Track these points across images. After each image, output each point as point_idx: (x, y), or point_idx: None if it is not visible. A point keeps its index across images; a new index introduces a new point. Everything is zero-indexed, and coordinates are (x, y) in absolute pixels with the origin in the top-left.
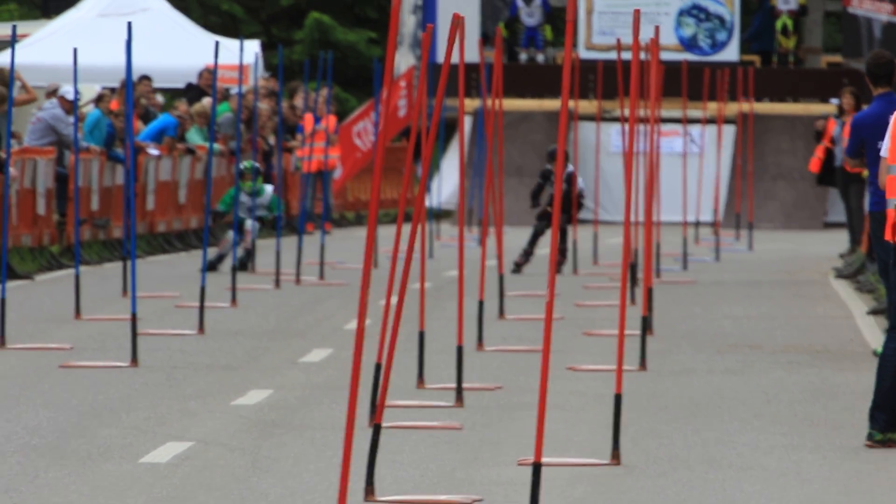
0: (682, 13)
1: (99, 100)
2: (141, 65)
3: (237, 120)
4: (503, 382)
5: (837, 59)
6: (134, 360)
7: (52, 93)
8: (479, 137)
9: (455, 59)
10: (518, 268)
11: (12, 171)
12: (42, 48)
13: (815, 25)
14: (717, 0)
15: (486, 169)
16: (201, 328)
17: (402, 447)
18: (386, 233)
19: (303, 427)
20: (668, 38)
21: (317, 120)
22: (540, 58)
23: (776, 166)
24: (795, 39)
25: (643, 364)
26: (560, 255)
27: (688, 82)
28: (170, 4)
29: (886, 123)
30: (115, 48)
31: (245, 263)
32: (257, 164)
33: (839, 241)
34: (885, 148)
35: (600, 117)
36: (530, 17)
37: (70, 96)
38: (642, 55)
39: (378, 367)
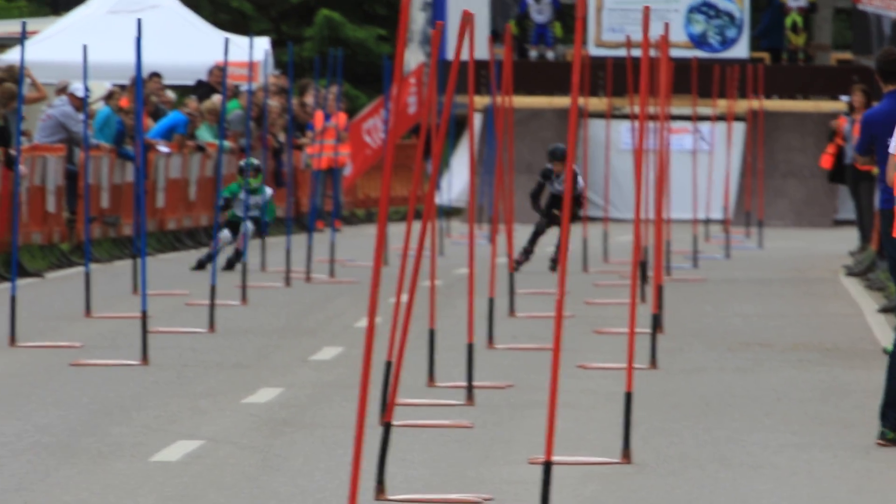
0: (691, 10)
1: (109, 97)
2: (151, 62)
3: (247, 117)
4: (514, 380)
5: (847, 56)
6: (144, 358)
7: (62, 90)
8: (489, 134)
9: (465, 56)
10: (517, 266)
11: (22, 168)
12: (52, 45)
13: (824, 22)
14: None
15: (496, 166)
16: (212, 326)
17: (412, 445)
18: (396, 230)
19: (313, 425)
20: (678, 35)
21: (327, 117)
22: (550, 55)
23: (786, 163)
24: (805, 36)
25: (654, 362)
26: (558, 252)
27: (698, 79)
28: (180, 2)
29: None
30: (125, 45)
31: (233, 264)
32: (258, 162)
33: (849, 238)
34: (893, 145)
35: (610, 114)
36: (540, 13)
37: (80, 93)
38: (652, 52)
39: (388, 365)
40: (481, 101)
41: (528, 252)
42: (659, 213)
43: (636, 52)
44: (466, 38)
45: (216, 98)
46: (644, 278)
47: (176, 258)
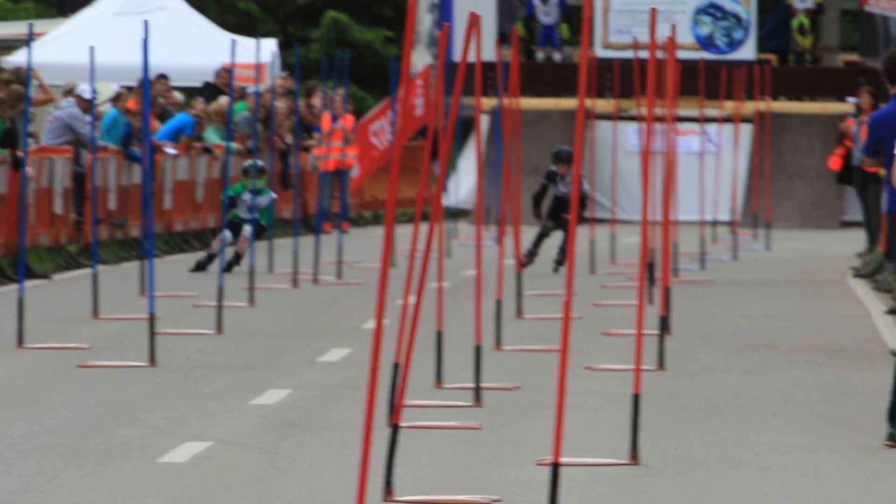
0: (698, 11)
1: (116, 99)
2: (158, 63)
3: (254, 119)
4: (521, 382)
5: (854, 57)
6: (152, 359)
7: (69, 92)
8: (495, 136)
9: (472, 57)
10: (523, 266)
11: (29, 170)
12: (59, 47)
13: (831, 24)
14: None
15: (503, 168)
16: (219, 328)
17: (420, 447)
18: (403, 232)
19: (321, 427)
20: (685, 36)
21: (334, 119)
22: (557, 56)
23: (793, 165)
24: (812, 38)
25: (661, 364)
26: (563, 252)
27: (705, 81)
28: (186, 3)
29: None
30: (131, 47)
31: (231, 266)
32: (261, 163)
33: (857, 240)
34: None
35: (617, 116)
36: (547, 15)
37: (87, 95)
38: (659, 54)
39: (396, 366)
40: (488, 102)
41: (532, 254)
42: (666, 215)
43: (643, 54)
44: (473, 40)
45: (223, 100)
46: (651, 280)
47: (183, 260)
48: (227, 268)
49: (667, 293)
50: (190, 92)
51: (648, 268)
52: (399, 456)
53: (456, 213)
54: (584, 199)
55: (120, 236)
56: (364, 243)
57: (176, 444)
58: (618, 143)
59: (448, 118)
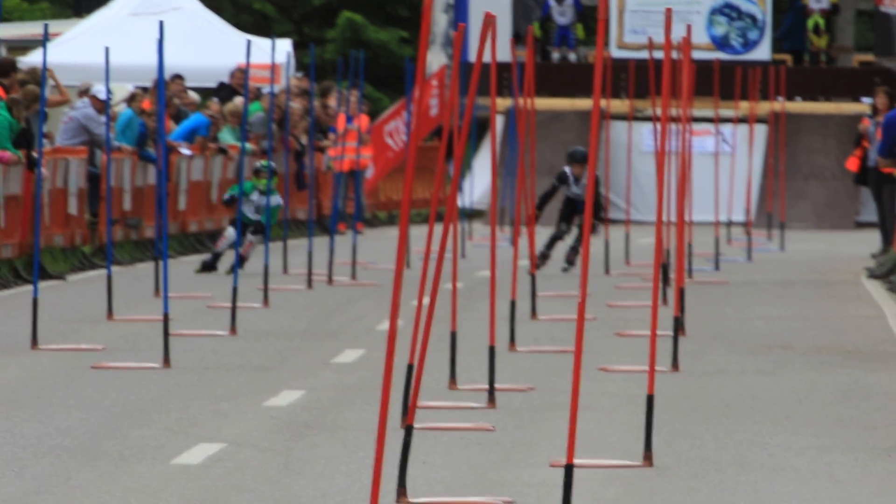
0: (713, 12)
1: (131, 99)
2: (173, 64)
3: (269, 119)
4: (535, 383)
5: (869, 57)
6: (166, 360)
7: (84, 92)
8: (510, 137)
9: (487, 58)
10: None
11: (44, 171)
12: (74, 47)
13: (846, 24)
14: None
15: (518, 168)
16: (233, 329)
17: (434, 448)
18: (418, 233)
19: (335, 428)
20: (700, 36)
21: (349, 119)
22: (572, 57)
23: (808, 166)
24: (827, 38)
25: (675, 365)
26: (573, 252)
27: (720, 81)
28: (202, 3)
29: None
30: (146, 47)
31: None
32: (273, 164)
33: (871, 240)
34: None
35: (632, 116)
36: (562, 15)
37: (102, 96)
38: (674, 54)
39: (410, 367)
40: (503, 103)
41: (545, 256)
42: (681, 216)
43: (658, 54)
44: (489, 40)
45: (238, 100)
46: (666, 281)
47: (198, 260)
48: (231, 270)
49: (681, 294)
50: (205, 92)
51: (663, 268)
52: (413, 457)
53: (470, 214)
54: (600, 202)
55: (134, 237)
56: (378, 244)
57: (190, 446)
58: (632, 143)
59: (463, 118)
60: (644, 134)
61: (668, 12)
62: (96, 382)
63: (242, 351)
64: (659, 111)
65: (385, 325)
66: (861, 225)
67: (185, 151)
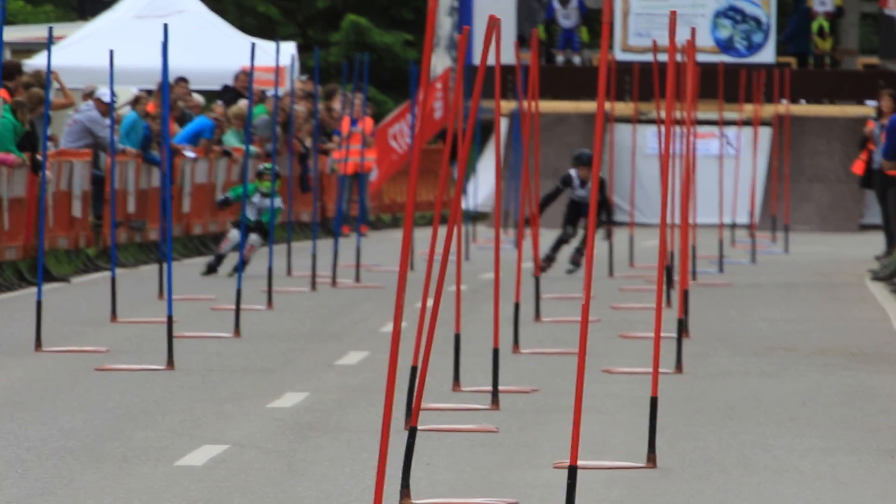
0: (718, 15)
1: (135, 102)
2: (177, 67)
3: (273, 122)
4: (539, 385)
5: (874, 60)
6: (170, 362)
7: (89, 95)
8: (515, 139)
9: (491, 60)
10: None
11: (48, 173)
12: (78, 50)
13: (851, 27)
14: (753, 2)
15: (523, 171)
16: (237, 331)
17: (437, 450)
18: (422, 235)
19: (338, 430)
20: (705, 39)
21: (353, 122)
22: (576, 59)
23: (812, 168)
24: (831, 41)
25: (679, 367)
26: (578, 254)
27: (724, 84)
28: (206, 6)
29: None
30: (151, 50)
31: (235, 271)
32: (276, 167)
33: (875, 243)
34: None
35: (636, 119)
36: (566, 18)
37: (106, 98)
38: (678, 57)
39: (414, 369)
40: (507, 105)
41: (550, 259)
42: (685, 218)
43: (662, 57)
44: (493, 43)
45: (242, 103)
46: (670, 283)
47: (202, 263)
48: (233, 272)
49: (685, 296)
50: (209, 95)
51: (667, 271)
52: (416, 459)
53: (474, 217)
54: (607, 204)
55: (138, 239)
56: (382, 246)
57: (193, 448)
58: (637, 146)
59: (467, 121)
60: (648, 137)
61: (673, 15)
62: (100, 384)
63: (246, 353)
64: (663, 114)
65: (389, 328)
66: (865, 227)
67: (190, 154)
